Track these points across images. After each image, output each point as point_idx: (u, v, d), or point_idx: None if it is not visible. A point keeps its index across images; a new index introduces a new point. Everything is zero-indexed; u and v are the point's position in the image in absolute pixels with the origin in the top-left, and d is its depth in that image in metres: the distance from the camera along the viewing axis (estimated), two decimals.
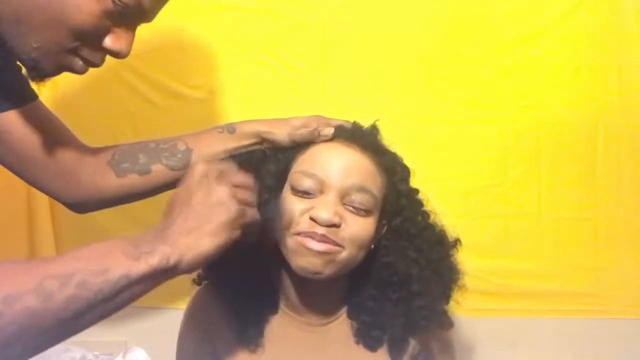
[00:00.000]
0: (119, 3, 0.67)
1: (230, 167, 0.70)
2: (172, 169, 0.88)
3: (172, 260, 0.61)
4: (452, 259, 0.88)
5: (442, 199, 1.13)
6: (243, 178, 0.69)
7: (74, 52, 0.70)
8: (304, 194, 0.79)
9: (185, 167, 0.87)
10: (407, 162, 0.89)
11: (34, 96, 0.84)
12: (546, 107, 1.22)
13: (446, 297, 0.87)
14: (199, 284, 0.90)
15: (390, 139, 0.89)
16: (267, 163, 0.85)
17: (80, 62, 0.71)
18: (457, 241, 0.89)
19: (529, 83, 1.22)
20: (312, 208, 0.78)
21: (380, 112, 1.17)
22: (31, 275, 0.55)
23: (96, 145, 0.92)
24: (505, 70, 1.22)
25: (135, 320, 1.22)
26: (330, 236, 0.76)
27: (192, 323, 0.88)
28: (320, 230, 0.76)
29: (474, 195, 1.24)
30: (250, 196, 0.68)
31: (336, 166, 0.80)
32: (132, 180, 0.89)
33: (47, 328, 0.54)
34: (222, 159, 0.83)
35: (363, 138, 0.84)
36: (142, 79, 1.24)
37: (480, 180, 1.23)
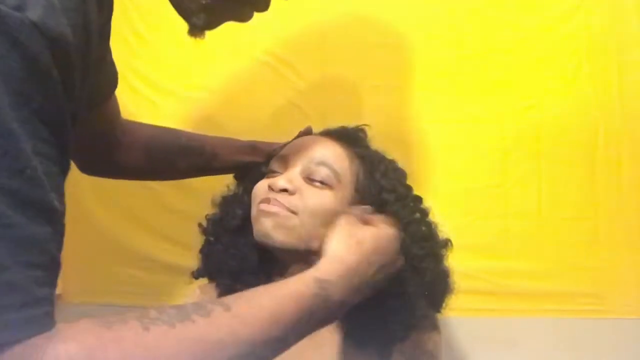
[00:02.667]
0: None
1: None
2: (196, 168, 0.94)
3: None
4: (441, 259, 0.85)
5: (442, 199, 1.14)
6: None
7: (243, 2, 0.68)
8: (271, 172, 0.84)
9: (209, 168, 0.94)
10: (407, 162, 0.90)
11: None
12: (546, 107, 1.22)
13: (432, 301, 0.84)
14: (196, 277, 0.91)
15: (390, 139, 0.90)
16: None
17: (247, 9, 0.69)
18: (447, 241, 0.86)
19: (529, 83, 1.22)
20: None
21: (379, 112, 1.19)
22: (216, 354, 0.52)
23: None
24: (505, 70, 1.22)
25: None
26: (281, 200, 0.79)
27: None
28: (273, 195, 0.80)
29: (474, 195, 1.23)
30: None
31: (304, 148, 0.84)
32: (160, 168, 0.93)
33: None
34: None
35: (343, 133, 0.87)
36: (142, 79, 1.24)
37: (480, 180, 1.23)
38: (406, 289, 0.81)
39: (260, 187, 0.83)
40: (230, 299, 0.55)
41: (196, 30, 0.68)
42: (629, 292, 1.23)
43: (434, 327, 0.85)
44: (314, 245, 0.79)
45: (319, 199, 0.80)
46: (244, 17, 0.70)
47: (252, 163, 0.93)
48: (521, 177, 1.23)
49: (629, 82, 1.21)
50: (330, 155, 0.83)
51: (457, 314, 1.10)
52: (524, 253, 1.23)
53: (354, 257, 0.65)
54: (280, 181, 0.80)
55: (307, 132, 0.91)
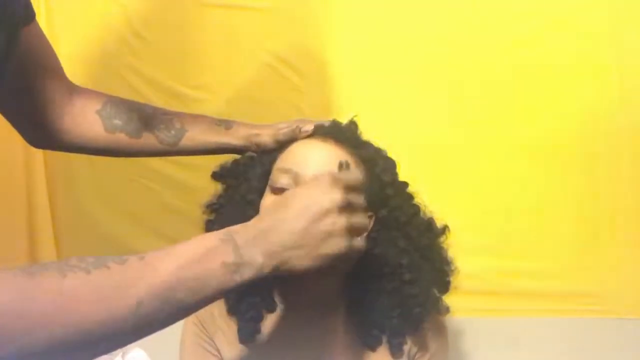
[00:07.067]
0: None
1: (357, 188, 0.67)
2: (162, 142, 0.86)
3: (265, 271, 0.60)
4: (442, 245, 0.89)
5: (442, 199, 1.13)
6: (362, 200, 0.67)
7: None
8: (281, 190, 0.79)
9: (176, 144, 0.87)
10: (407, 162, 0.89)
11: (34, 14, 0.75)
12: (546, 107, 1.22)
13: (441, 283, 0.88)
14: None
15: (391, 139, 0.89)
16: (254, 165, 0.88)
17: None
18: (445, 228, 0.90)
19: (529, 83, 1.22)
20: None
21: (380, 112, 1.19)
22: (127, 299, 0.52)
23: None
24: (506, 71, 1.22)
25: None
26: None
27: (192, 319, 0.89)
28: None
29: (474, 195, 1.24)
30: (364, 225, 0.67)
31: (311, 159, 0.81)
32: (119, 139, 0.85)
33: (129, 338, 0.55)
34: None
35: (339, 133, 0.85)
36: (142, 79, 1.24)
37: (480, 180, 1.23)
38: (421, 276, 0.85)
39: None
40: (149, 252, 0.57)
41: None
42: (629, 292, 1.23)
43: (445, 309, 0.89)
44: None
45: None
46: None
47: (225, 146, 0.88)
48: (521, 177, 1.23)
49: (629, 81, 1.21)
50: None
51: (457, 314, 1.10)
52: (524, 253, 1.24)
53: (263, 214, 0.65)
54: None
55: (308, 131, 0.86)
